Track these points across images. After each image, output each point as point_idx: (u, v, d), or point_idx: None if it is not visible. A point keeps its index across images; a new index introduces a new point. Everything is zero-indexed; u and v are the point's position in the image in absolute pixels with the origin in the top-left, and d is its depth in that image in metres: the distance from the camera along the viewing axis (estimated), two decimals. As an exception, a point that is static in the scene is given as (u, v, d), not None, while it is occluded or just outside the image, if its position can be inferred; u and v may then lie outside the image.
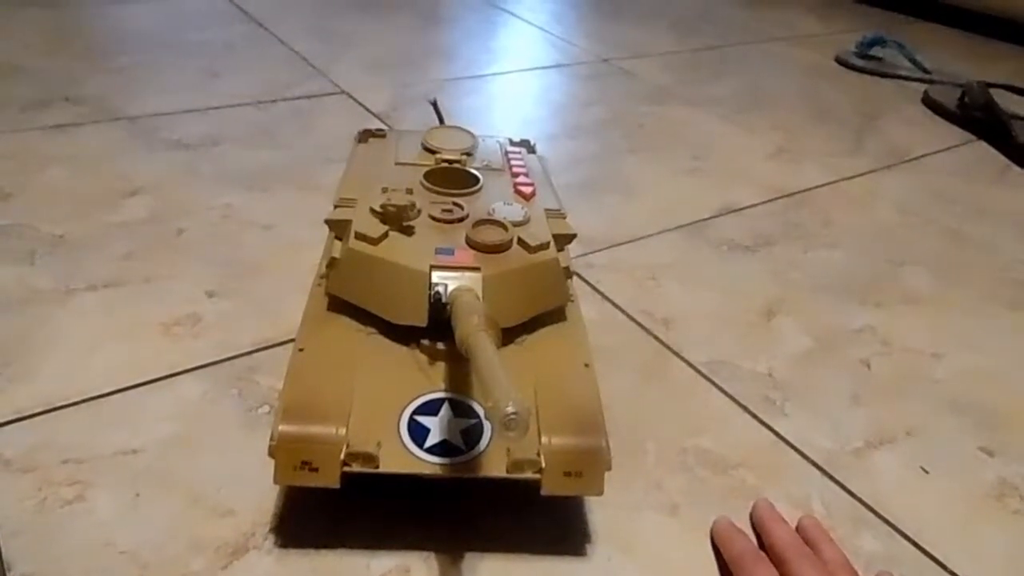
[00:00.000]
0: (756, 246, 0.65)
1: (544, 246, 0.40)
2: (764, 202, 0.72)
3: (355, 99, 0.85)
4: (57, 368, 0.44)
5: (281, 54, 0.97)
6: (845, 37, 1.23)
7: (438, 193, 0.44)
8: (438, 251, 0.38)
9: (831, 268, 0.63)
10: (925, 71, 1.11)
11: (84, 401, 0.42)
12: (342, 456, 0.32)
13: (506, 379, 0.27)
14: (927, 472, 0.44)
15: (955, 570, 0.38)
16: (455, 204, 0.43)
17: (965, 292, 0.62)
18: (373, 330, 0.39)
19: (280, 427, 0.33)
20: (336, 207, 0.43)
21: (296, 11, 1.14)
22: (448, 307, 0.35)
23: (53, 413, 0.41)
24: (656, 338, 0.52)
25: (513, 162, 0.50)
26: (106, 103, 0.78)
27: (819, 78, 1.10)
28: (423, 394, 0.36)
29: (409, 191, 0.42)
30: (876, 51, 1.15)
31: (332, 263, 0.39)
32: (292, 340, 0.39)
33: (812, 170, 0.80)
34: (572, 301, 0.43)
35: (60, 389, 0.43)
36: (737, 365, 0.51)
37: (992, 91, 0.95)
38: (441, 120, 0.57)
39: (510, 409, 0.26)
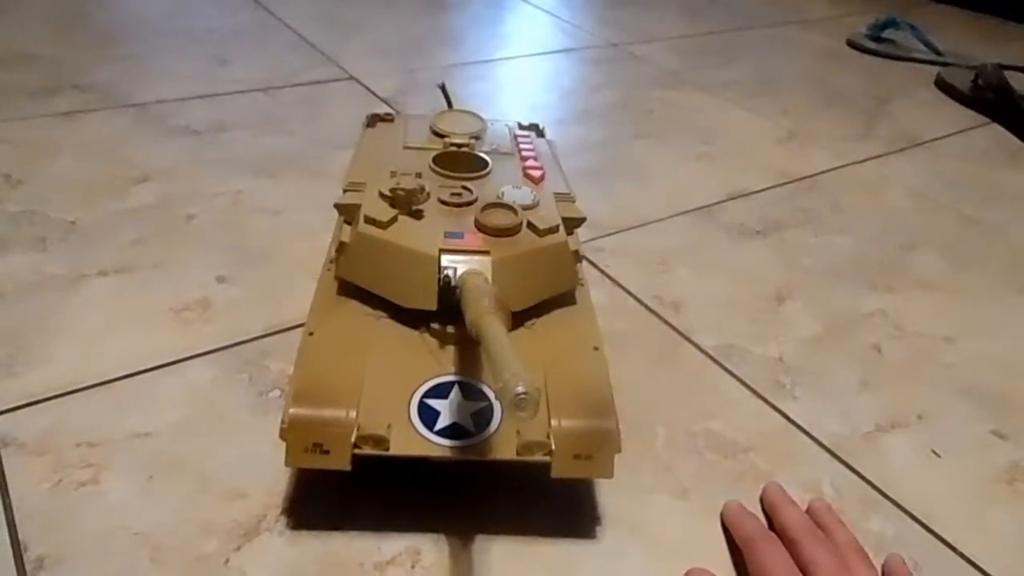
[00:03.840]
0: (766, 230, 0.65)
1: (553, 230, 0.40)
2: (774, 186, 0.72)
3: (363, 84, 0.85)
4: (70, 353, 0.45)
5: (289, 40, 0.97)
6: (857, 20, 1.22)
7: (447, 177, 0.44)
8: (447, 235, 0.38)
9: (841, 253, 0.63)
10: (938, 53, 1.10)
11: (97, 385, 0.43)
12: (353, 439, 0.33)
13: (516, 360, 0.27)
14: (938, 456, 0.44)
15: (965, 553, 0.38)
16: (464, 188, 0.42)
17: (977, 276, 0.61)
18: (383, 314, 0.39)
19: (291, 410, 0.33)
20: (345, 191, 0.43)
21: (303, -3, 1.13)
22: (458, 291, 0.35)
23: (66, 397, 0.42)
24: (666, 322, 0.52)
25: (522, 146, 0.50)
26: (115, 90, 0.78)
27: (830, 61, 1.09)
28: (433, 377, 0.36)
29: (418, 175, 0.42)
30: (888, 33, 1.14)
31: (341, 247, 0.39)
32: (302, 324, 0.39)
33: (822, 154, 0.80)
34: (582, 285, 0.43)
35: (73, 373, 0.43)
36: (747, 349, 0.50)
37: (1006, 73, 0.94)
38: (450, 104, 0.57)
39: (520, 389, 0.26)
